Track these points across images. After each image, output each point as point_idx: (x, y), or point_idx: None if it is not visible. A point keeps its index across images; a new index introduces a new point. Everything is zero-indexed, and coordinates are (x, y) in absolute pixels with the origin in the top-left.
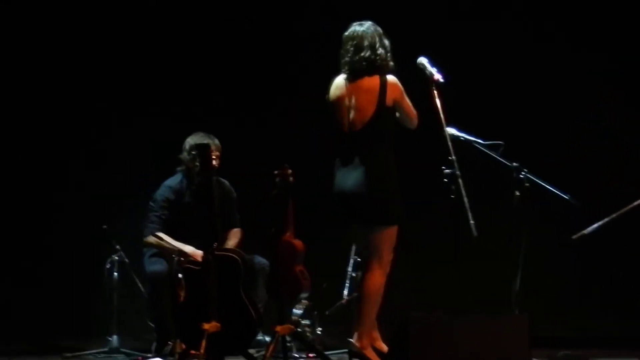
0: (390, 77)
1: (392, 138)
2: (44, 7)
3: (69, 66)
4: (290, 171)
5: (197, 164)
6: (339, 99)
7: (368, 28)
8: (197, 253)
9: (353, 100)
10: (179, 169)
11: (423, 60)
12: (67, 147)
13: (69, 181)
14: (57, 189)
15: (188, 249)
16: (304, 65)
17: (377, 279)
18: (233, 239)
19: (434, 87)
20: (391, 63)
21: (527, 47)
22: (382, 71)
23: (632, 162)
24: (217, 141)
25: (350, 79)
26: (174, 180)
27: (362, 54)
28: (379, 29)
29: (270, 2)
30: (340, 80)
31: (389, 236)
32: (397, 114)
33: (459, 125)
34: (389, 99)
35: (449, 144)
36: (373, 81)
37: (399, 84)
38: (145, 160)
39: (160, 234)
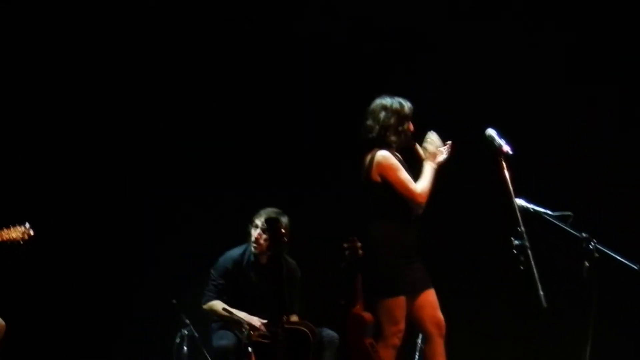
0: (380, 152)
1: (393, 211)
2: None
3: (137, 150)
4: (359, 244)
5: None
6: None
7: (381, 99)
8: (253, 320)
9: None
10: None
11: (491, 132)
12: (135, 220)
13: (139, 255)
14: (127, 263)
15: (242, 315)
16: None
17: (380, 351)
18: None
19: (502, 159)
20: (392, 137)
21: (595, 119)
22: (378, 144)
23: None
24: (286, 218)
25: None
26: (236, 252)
27: (366, 122)
28: (389, 102)
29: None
30: None
31: (385, 309)
32: None
33: (527, 196)
34: (375, 174)
35: (518, 215)
36: (369, 155)
37: (386, 160)
38: (214, 235)
39: (216, 302)
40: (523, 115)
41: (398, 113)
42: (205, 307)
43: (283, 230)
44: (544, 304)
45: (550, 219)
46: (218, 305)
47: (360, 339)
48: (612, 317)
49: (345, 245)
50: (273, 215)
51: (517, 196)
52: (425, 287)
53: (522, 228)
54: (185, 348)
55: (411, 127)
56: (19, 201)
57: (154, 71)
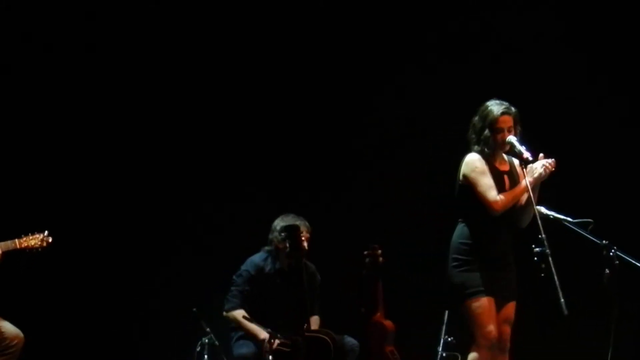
0: (468, 155)
1: (476, 214)
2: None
3: (159, 159)
4: (379, 251)
5: (287, 245)
6: None
7: (487, 102)
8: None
9: None
10: (266, 248)
11: (512, 139)
12: (158, 230)
13: (160, 264)
14: (148, 273)
15: (262, 335)
16: (390, 146)
17: (471, 355)
18: (313, 327)
19: (523, 166)
20: (476, 144)
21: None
22: (470, 147)
23: None
24: (306, 223)
25: None
26: (259, 257)
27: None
28: (485, 107)
29: (343, 78)
30: None
31: (466, 311)
32: None
33: (549, 203)
34: (460, 176)
35: (539, 222)
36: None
37: (471, 163)
38: (234, 243)
39: (240, 312)
40: (544, 122)
41: (484, 119)
42: (228, 315)
43: (303, 238)
44: (565, 311)
45: (570, 225)
46: (240, 315)
47: (382, 346)
48: (633, 323)
49: (365, 252)
50: (295, 221)
51: (538, 203)
52: (505, 299)
53: (543, 235)
54: (206, 356)
55: (500, 135)
56: (37, 208)
57: (166, 85)
